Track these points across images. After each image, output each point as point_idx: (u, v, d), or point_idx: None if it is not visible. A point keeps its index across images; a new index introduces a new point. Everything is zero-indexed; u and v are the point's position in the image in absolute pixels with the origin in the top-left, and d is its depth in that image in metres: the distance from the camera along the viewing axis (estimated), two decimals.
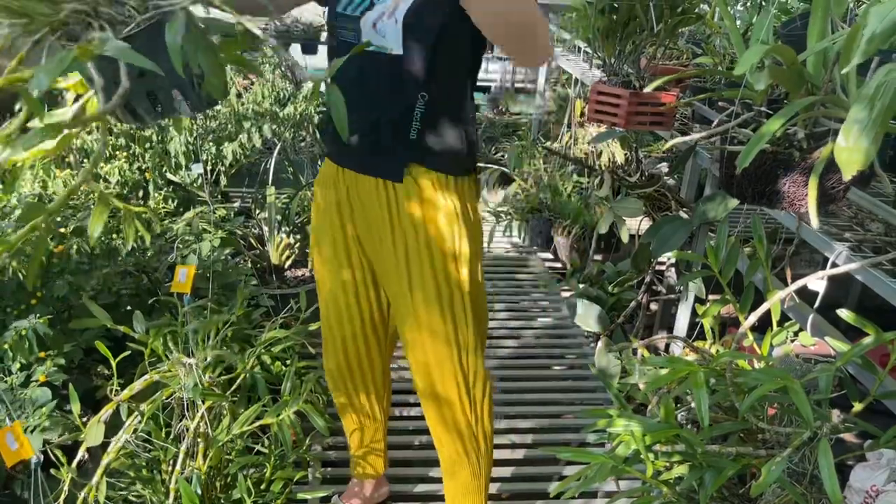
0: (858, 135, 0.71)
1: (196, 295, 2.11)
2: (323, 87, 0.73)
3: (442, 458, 1.60)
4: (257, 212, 3.11)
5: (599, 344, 2.26)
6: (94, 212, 0.68)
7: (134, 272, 2.25)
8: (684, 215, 2.15)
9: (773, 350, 1.54)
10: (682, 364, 1.15)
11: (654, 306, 2.68)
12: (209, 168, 3.31)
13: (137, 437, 1.51)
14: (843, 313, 1.27)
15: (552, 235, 3.42)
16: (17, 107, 0.88)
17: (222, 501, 1.55)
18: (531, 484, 1.97)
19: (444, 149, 1.37)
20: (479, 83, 1.60)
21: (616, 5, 2.01)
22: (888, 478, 0.99)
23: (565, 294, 3.04)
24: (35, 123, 0.67)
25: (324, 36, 4.70)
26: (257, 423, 1.53)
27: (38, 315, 1.80)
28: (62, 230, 2.20)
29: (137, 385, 1.53)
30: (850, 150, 0.72)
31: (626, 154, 3.45)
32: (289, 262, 2.91)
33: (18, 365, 1.76)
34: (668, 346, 2.49)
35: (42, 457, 1.32)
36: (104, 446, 1.47)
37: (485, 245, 3.30)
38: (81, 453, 1.46)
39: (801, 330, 1.70)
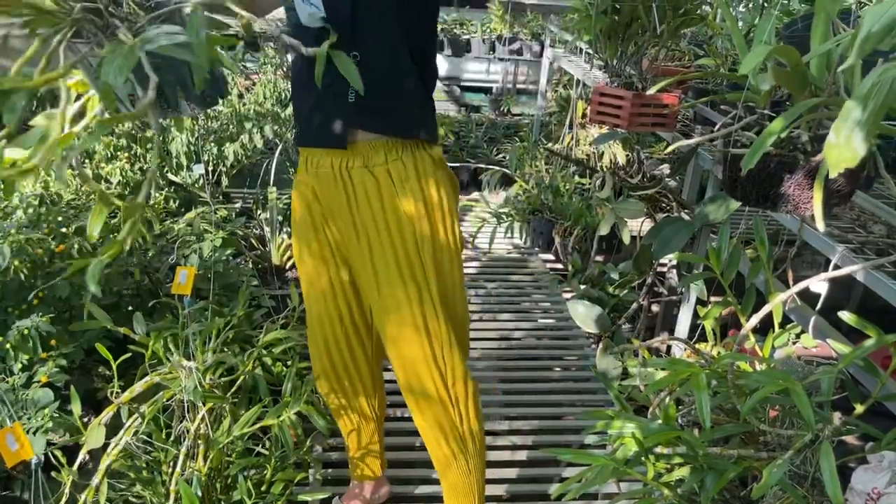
0: (850, 132, 0.71)
1: (197, 295, 2.11)
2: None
3: (433, 459, 1.58)
4: (258, 212, 3.11)
5: (600, 345, 2.25)
6: (94, 210, 0.68)
7: (135, 272, 2.25)
8: (686, 217, 2.15)
9: (774, 352, 1.54)
10: (683, 366, 1.15)
11: (655, 308, 2.67)
12: (210, 168, 3.31)
13: (138, 439, 1.51)
14: (845, 315, 1.27)
15: (553, 237, 3.42)
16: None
17: (222, 503, 1.54)
18: (532, 485, 1.97)
19: (385, 111, 1.33)
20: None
21: (618, 6, 2.01)
22: (890, 480, 0.98)
23: (567, 295, 3.04)
24: (38, 123, 0.67)
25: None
26: (258, 425, 1.53)
27: (39, 315, 1.80)
28: (64, 230, 2.20)
29: (138, 387, 1.53)
30: (841, 147, 0.71)
31: (627, 155, 3.45)
32: (290, 263, 2.92)
33: (20, 365, 1.76)
34: (669, 347, 2.49)
35: (43, 458, 1.32)
36: (104, 447, 1.47)
37: (486, 246, 3.32)
38: (83, 455, 1.46)
39: (802, 332, 1.70)
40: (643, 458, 1.10)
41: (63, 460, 1.43)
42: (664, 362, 1.64)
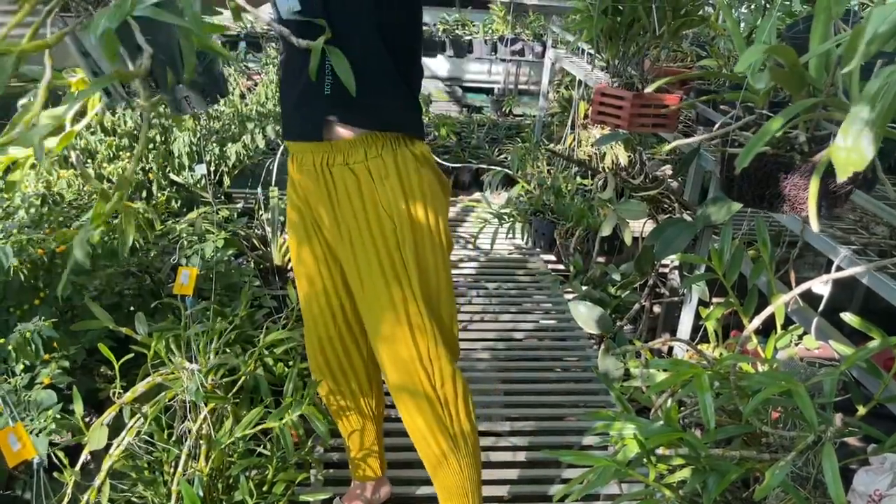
0: (857, 135, 0.70)
1: (199, 296, 2.11)
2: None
3: (423, 459, 1.56)
4: (260, 213, 3.11)
5: (602, 346, 2.25)
6: (94, 209, 0.68)
7: (137, 273, 2.25)
8: (688, 218, 2.15)
9: (777, 353, 1.54)
10: (685, 367, 1.15)
11: (657, 309, 2.67)
12: (212, 169, 3.32)
13: (140, 439, 1.51)
14: (848, 317, 1.27)
15: (555, 237, 3.42)
16: (20, 103, 0.89)
17: (224, 503, 1.54)
18: (533, 486, 1.97)
19: (360, 107, 1.31)
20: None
21: (619, 7, 2.01)
22: (892, 482, 0.98)
23: (568, 296, 3.04)
24: (42, 114, 0.67)
25: None
26: (259, 427, 1.53)
27: (41, 316, 1.80)
28: (65, 230, 2.21)
29: (140, 387, 1.53)
30: (849, 150, 0.71)
31: (629, 156, 3.45)
32: (291, 263, 2.91)
33: (22, 366, 1.76)
34: (671, 349, 2.49)
35: (45, 459, 1.32)
36: (107, 448, 1.47)
37: (487, 246, 3.32)
38: (85, 456, 1.46)
39: (805, 333, 1.70)
40: (645, 460, 1.10)
41: (65, 461, 1.43)
42: (666, 363, 1.63)
